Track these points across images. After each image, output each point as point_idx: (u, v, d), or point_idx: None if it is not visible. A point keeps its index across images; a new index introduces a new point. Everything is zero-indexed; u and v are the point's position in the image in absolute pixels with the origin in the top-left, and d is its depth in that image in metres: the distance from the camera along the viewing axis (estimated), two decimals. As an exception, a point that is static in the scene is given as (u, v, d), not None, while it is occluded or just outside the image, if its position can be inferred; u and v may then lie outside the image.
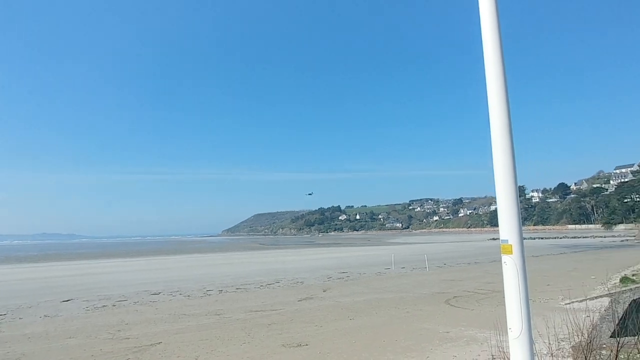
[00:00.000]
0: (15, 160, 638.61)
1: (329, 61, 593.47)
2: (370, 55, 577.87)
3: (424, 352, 8.98)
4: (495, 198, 2.86)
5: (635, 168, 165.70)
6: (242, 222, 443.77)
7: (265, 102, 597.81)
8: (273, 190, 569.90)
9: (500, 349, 5.20)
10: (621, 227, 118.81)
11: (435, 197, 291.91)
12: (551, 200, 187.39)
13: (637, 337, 5.95)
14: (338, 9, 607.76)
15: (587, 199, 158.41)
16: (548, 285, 18.14)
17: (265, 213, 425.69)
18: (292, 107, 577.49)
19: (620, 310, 11.14)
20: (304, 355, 9.22)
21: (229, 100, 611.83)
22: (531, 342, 2.70)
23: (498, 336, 5.52)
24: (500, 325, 3.04)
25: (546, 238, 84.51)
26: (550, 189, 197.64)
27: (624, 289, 15.34)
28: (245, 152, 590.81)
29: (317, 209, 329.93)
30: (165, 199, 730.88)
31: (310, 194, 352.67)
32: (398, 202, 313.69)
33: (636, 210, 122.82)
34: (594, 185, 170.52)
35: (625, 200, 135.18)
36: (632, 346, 5.52)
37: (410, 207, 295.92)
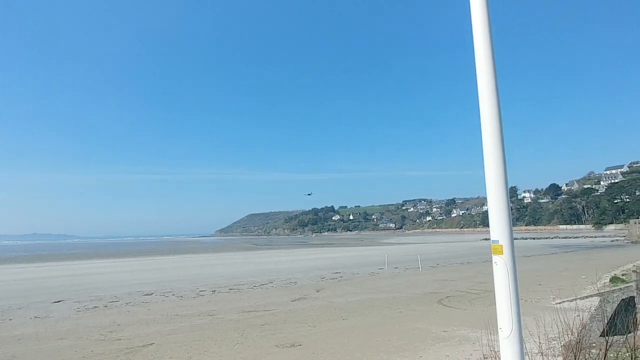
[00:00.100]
0: (12, 160, 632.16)
1: (323, 61, 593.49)
2: (365, 54, 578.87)
3: (416, 351, 9.02)
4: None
5: (625, 169, 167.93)
6: (235, 223, 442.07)
7: (262, 102, 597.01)
8: (267, 191, 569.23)
9: (492, 349, 5.24)
10: (611, 227, 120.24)
11: (429, 198, 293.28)
12: (543, 200, 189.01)
13: (625, 336, 6.04)
14: (338, 9, 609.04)
15: (578, 199, 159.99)
16: (539, 285, 18.31)
17: (258, 213, 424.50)
18: (287, 107, 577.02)
19: (610, 310, 11.27)
20: (297, 355, 9.23)
21: (228, 100, 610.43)
22: (521, 342, 2.73)
23: (489, 336, 5.56)
24: (491, 325, 3.08)
25: (538, 238, 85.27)
26: (542, 189, 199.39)
27: (613, 288, 15.53)
28: (239, 153, 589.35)
29: (310, 209, 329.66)
30: (158, 199, 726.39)
31: (309, 194, 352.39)
32: (391, 203, 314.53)
33: (626, 210, 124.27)
34: (585, 186, 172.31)
35: (616, 201, 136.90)
36: (620, 345, 5.60)
37: (404, 208, 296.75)
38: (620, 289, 15.09)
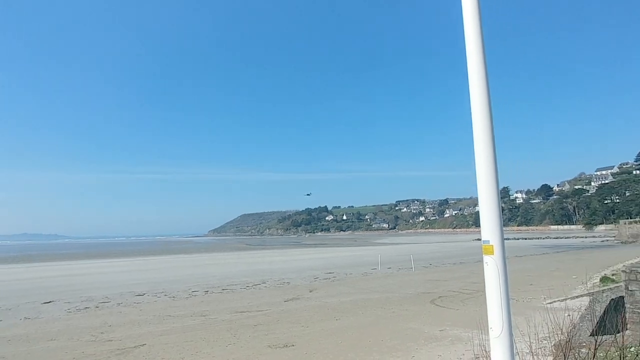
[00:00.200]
0: (7, 160, 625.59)
1: (317, 61, 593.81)
2: (360, 54, 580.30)
3: (409, 351, 9.06)
4: (480, 199, 2.90)
5: (615, 170, 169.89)
6: (228, 223, 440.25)
7: (260, 102, 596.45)
8: (260, 191, 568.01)
9: (483, 349, 5.28)
10: (602, 227, 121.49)
11: (422, 198, 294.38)
12: (534, 201, 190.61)
13: (614, 335, 6.11)
14: (338, 9, 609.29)
15: (569, 200, 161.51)
16: (531, 285, 18.46)
17: (252, 213, 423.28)
18: (284, 108, 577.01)
19: (600, 309, 11.40)
20: (290, 355, 9.22)
21: (228, 100, 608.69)
22: (511, 341, 2.74)
23: (481, 335, 5.60)
24: (483, 325, 3.10)
25: (530, 238, 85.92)
26: (534, 190, 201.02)
27: (603, 288, 15.70)
28: (232, 153, 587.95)
29: (304, 209, 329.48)
30: (150, 199, 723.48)
31: (308, 195, 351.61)
32: (385, 203, 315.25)
33: (616, 211, 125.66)
34: (576, 187, 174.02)
35: (606, 202, 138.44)
36: (609, 344, 5.67)
37: (397, 208, 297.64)
38: (610, 288, 15.26)
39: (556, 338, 6.20)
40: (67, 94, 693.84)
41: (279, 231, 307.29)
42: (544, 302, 13.70)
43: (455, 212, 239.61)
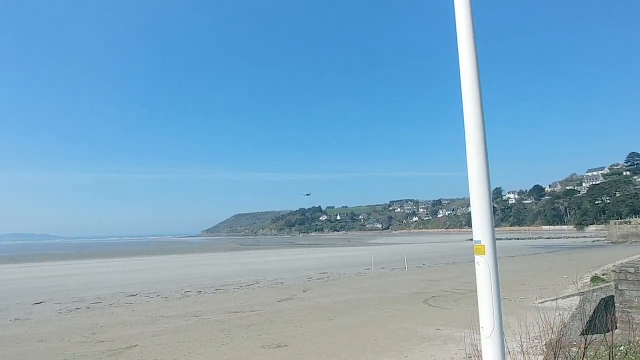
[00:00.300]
0: (8, 160, 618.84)
1: (317, 61, 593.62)
2: (360, 54, 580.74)
3: (402, 351, 9.09)
4: (472, 200, 2.92)
5: (606, 171, 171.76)
6: (222, 222, 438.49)
7: (256, 102, 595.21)
8: (254, 191, 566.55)
9: (475, 348, 5.31)
10: (592, 227, 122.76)
11: (415, 198, 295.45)
12: (527, 201, 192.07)
13: (604, 334, 6.18)
14: (338, 9, 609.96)
15: (561, 200, 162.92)
16: (523, 284, 18.61)
17: (245, 213, 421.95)
18: (281, 107, 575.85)
19: (590, 309, 11.52)
20: (283, 356, 9.21)
21: (227, 100, 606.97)
22: (503, 341, 2.76)
23: (473, 335, 5.64)
24: (475, 325, 3.12)
25: (522, 238, 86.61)
26: (526, 190, 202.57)
27: (594, 287, 15.86)
28: (231, 152, 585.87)
29: (297, 209, 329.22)
30: (143, 199, 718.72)
31: (308, 194, 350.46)
32: (378, 203, 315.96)
33: (606, 211, 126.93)
34: (567, 187, 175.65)
35: (597, 202, 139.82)
36: (599, 343, 5.73)
37: (391, 208, 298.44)
38: (601, 288, 15.42)
39: (547, 337, 6.26)
40: (67, 94, 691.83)
41: (273, 231, 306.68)
42: (536, 302, 13.82)
43: (449, 212, 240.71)
